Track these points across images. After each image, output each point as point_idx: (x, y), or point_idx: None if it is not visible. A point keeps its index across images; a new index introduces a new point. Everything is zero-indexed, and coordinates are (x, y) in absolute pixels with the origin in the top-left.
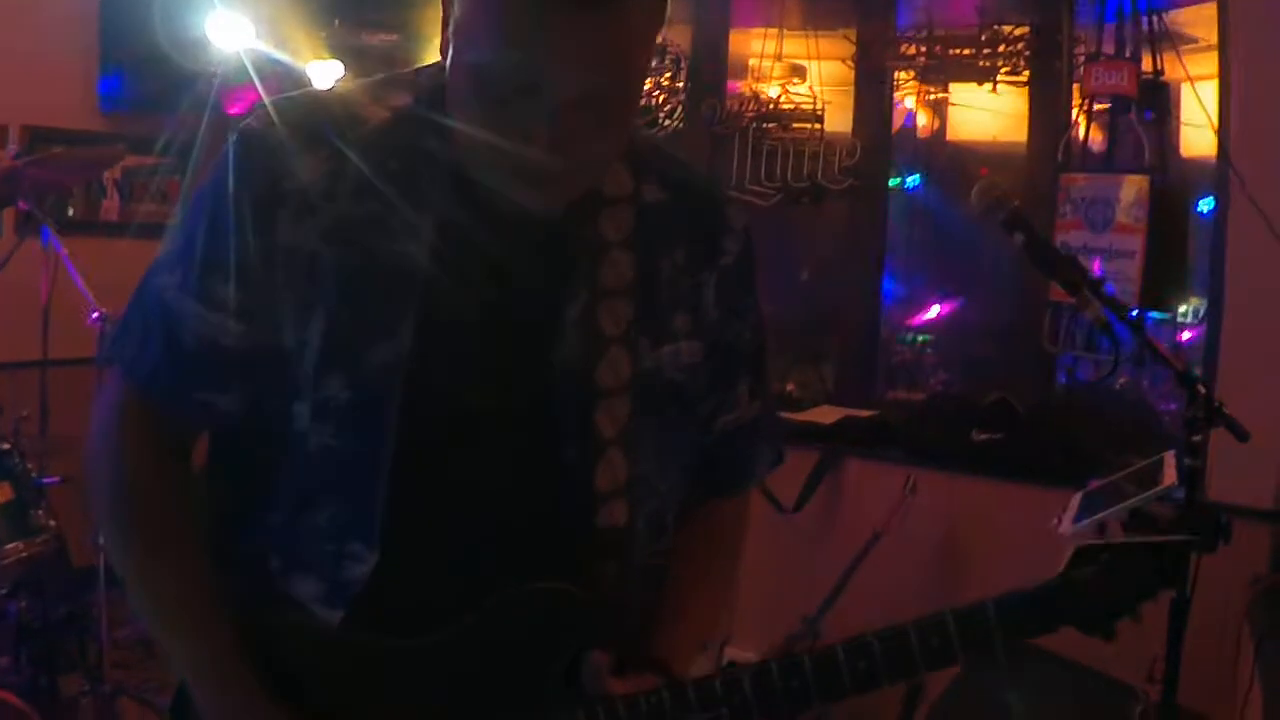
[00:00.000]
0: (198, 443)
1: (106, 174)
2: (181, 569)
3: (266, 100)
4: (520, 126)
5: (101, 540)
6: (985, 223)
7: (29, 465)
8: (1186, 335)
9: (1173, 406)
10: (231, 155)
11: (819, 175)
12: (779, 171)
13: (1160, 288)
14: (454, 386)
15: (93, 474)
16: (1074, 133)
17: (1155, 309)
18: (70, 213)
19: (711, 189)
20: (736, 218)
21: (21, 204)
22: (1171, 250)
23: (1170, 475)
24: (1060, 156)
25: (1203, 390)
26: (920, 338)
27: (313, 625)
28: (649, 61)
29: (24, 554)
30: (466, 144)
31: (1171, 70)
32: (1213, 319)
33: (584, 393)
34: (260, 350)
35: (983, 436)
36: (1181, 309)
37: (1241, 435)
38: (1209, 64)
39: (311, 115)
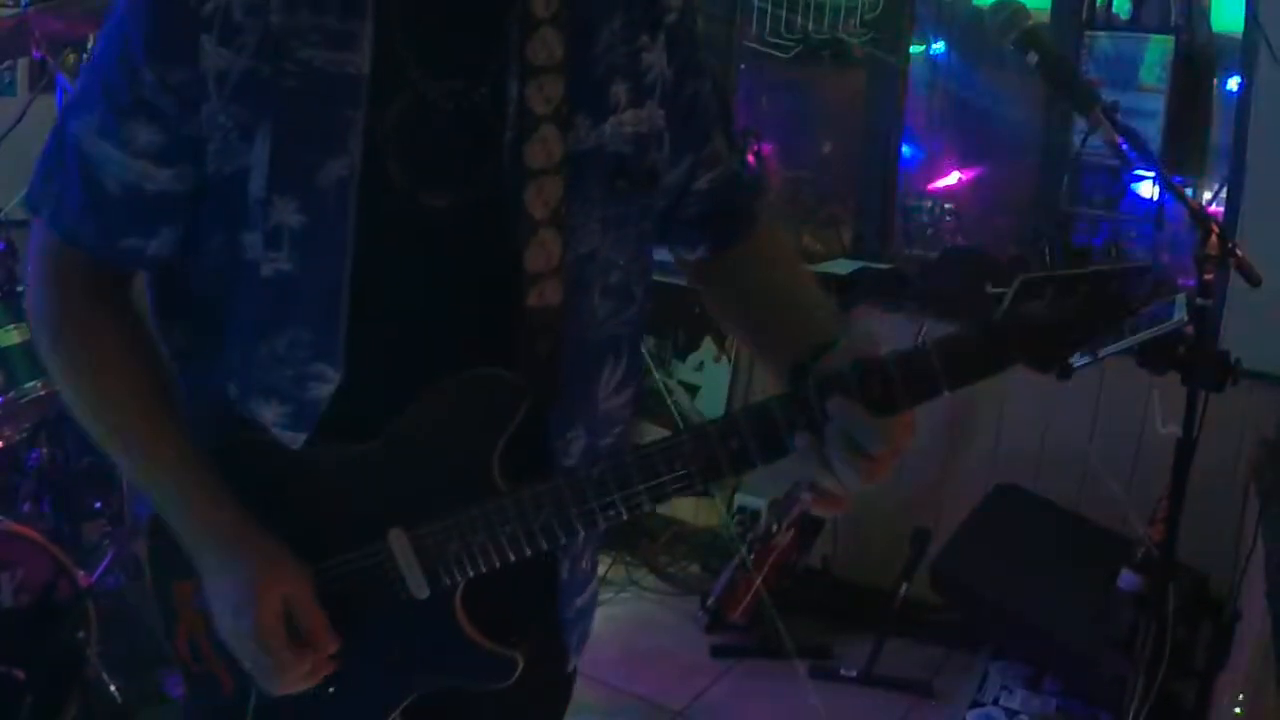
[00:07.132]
0: (135, 276)
1: None
2: (135, 388)
3: None
4: None
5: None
6: (1002, 47)
7: None
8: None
9: (1191, 283)
10: None
11: (839, 28)
12: (799, 23)
13: (1181, 154)
14: (408, 191)
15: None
16: None
17: (1175, 174)
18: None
19: None
20: None
21: (35, 54)
22: (1194, 117)
23: (1180, 315)
24: (1085, 14)
25: (1216, 228)
26: (941, 205)
27: (274, 443)
28: None
29: (42, 392)
30: None
31: None
32: (1232, 198)
33: (516, 174)
34: (192, 190)
35: (997, 290)
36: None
37: (1253, 279)
38: None
39: None
